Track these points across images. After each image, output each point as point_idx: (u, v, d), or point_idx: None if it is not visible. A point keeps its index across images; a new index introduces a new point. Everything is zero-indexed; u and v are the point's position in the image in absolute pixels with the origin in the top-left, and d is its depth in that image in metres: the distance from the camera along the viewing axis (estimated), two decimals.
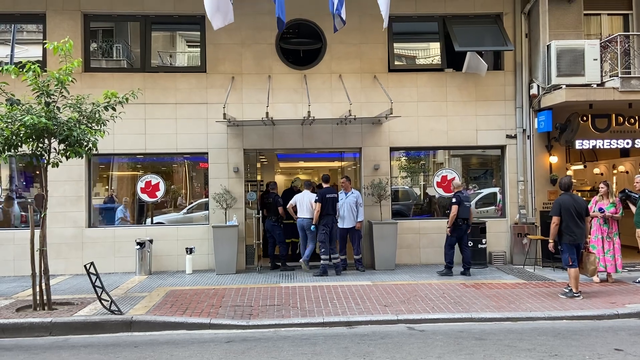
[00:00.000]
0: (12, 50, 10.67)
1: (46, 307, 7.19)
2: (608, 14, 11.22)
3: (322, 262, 9.60)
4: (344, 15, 9.00)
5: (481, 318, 6.63)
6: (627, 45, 10.04)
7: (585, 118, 10.44)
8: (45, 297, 7.24)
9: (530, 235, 10.27)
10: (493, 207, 11.39)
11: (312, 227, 9.74)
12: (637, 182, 8.36)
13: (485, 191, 11.58)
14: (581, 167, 12.70)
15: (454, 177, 10.95)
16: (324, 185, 9.98)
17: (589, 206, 8.67)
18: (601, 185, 9.03)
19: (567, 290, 7.63)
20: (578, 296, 7.43)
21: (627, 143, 10.43)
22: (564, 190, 7.85)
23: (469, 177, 11.64)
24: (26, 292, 7.93)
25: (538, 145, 10.76)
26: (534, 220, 10.59)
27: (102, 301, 6.89)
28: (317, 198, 9.70)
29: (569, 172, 11.09)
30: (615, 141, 10.44)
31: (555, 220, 7.56)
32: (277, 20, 8.88)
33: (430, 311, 6.90)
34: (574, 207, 7.48)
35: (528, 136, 10.77)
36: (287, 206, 10.10)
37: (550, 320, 6.63)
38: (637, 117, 10.48)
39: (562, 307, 7.05)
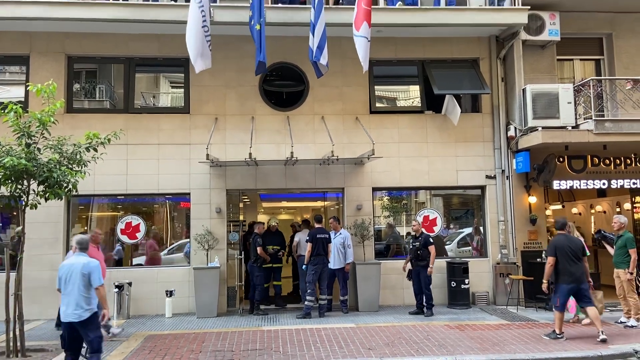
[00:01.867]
0: None
1: (19, 355, 7.03)
2: (580, 59, 11.71)
3: (306, 303, 9.48)
4: (324, 62, 9.31)
5: None
6: (599, 89, 10.40)
7: (561, 159, 10.62)
8: (19, 344, 7.06)
9: (512, 276, 10.26)
10: (467, 248, 11.44)
11: (303, 266, 9.68)
12: (614, 223, 8.44)
13: (467, 230, 11.63)
14: (559, 207, 12.90)
15: (436, 217, 11.03)
16: (316, 225, 9.93)
17: None
18: (567, 226, 8.98)
19: (550, 331, 7.63)
20: (561, 337, 7.41)
21: (604, 184, 10.61)
22: (559, 231, 7.86)
23: (450, 217, 11.69)
24: (1, 338, 7.65)
25: (517, 186, 10.88)
26: (515, 260, 10.61)
27: None
28: (307, 238, 9.68)
29: (548, 212, 11.27)
30: (591, 182, 10.61)
31: (550, 260, 7.52)
32: (258, 63, 9.17)
33: (415, 354, 6.83)
34: (569, 247, 7.46)
35: (507, 177, 10.89)
36: (293, 244, 10.23)
37: None
38: (612, 158, 10.67)
39: (545, 348, 7.04)
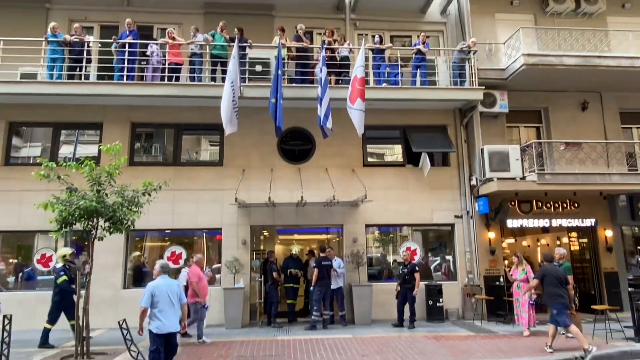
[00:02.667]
0: (74, 149, 10.96)
1: (85, 357, 7.06)
2: (525, 126, 12.01)
3: (313, 317, 9.48)
4: (330, 125, 9.52)
5: None
6: (540, 149, 10.76)
7: (513, 203, 10.88)
8: (85, 348, 7.12)
9: (477, 295, 10.36)
10: (437, 273, 11.35)
11: (311, 288, 9.67)
12: (556, 254, 8.49)
13: (439, 259, 11.63)
14: (512, 240, 12.98)
15: (416, 249, 11.11)
16: (321, 254, 9.86)
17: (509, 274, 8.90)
18: (514, 257, 9.15)
19: (548, 348, 7.23)
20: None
21: (546, 222, 10.84)
22: (547, 262, 7.76)
23: (427, 248, 11.67)
24: (70, 343, 7.77)
25: (479, 224, 10.99)
26: (479, 283, 10.66)
27: (131, 352, 6.82)
28: (314, 265, 9.74)
29: (504, 245, 11.40)
30: (537, 221, 10.84)
31: (535, 282, 7.62)
32: (276, 128, 9.44)
33: None
34: (557, 275, 7.30)
35: (471, 216, 11.05)
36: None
37: None
38: (552, 203, 10.96)
39: (504, 355, 7.10)
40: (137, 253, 10.99)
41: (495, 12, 12.19)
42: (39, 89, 9.85)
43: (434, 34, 12.27)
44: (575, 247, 12.13)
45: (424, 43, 10.91)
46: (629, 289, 9.28)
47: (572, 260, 11.22)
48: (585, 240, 11.88)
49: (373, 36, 11.34)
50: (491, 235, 11.00)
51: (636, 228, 11.69)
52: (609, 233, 11.29)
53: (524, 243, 12.62)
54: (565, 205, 10.98)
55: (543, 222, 10.82)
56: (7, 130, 10.68)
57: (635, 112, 12.23)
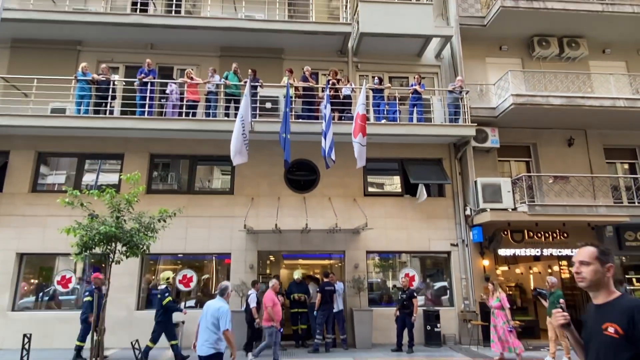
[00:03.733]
0: (97, 177, 11.03)
1: None
2: (515, 160, 12.03)
3: (316, 340, 9.32)
4: (333, 157, 9.53)
5: None
6: (529, 182, 10.79)
7: (505, 232, 10.79)
8: None
9: (473, 321, 10.17)
10: (445, 296, 11.08)
11: (315, 312, 9.51)
12: (547, 283, 8.39)
13: (437, 284, 11.41)
14: (506, 268, 12.82)
15: (414, 275, 10.98)
16: (324, 279, 9.76)
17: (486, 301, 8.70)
18: (489, 285, 9.00)
19: None
20: None
21: (537, 252, 10.70)
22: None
23: (425, 274, 11.48)
24: None
25: (474, 252, 10.87)
26: (475, 309, 10.46)
27: None
28: (318, 289, 9.59)
29: (498, 272, 11.26)
30: (529, 250, 10.71)
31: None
32: (285, 162, 9.51)
33: None
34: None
35: (466, 245, 10.93)
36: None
37: None
38: (542, 232, 10.84)
39: None
40: (150, 276, 10.85)
41: (486, 56, 12.48)
42: (67, 123, 10.05)
43: (429, 76, 12.50)
44: (565, 275, 11.92)
45: (419, 83, 11.13)
46: None
47: (563, 288, 10.95)
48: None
49: (373, 77, 11.58)
50: (485, 262, 10.87)
51: (624, 258, 11.51)
52: None
53: (517, 270, 12.45)
54: (555, 235, 10.87)
55: (534, 251, 10.69)
56: (36, 160, 10.85)
57: (618, 149, 12.29)
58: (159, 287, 9.25)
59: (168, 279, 9.12)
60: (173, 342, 8.49)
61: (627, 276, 11.47)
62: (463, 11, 12.41)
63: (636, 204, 11.09)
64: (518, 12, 11.57)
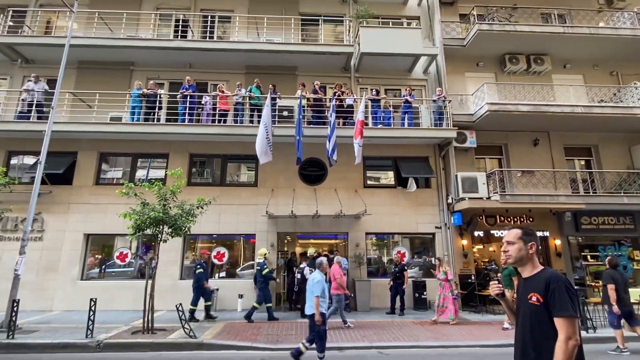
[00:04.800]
0: (147, 172, 11.08)
1: (150, 332, 7.11)
2: (489, 158, 11.81)
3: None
4: (335, 157, 9.57)
5: (426, 345, 6.55)
6: (501, 175, 10.63)
7: (481, 217, 10.70)
8: (150, 325, 7.19)
9: (455, 291, 10.05)
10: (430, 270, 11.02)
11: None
12: (502, 259, 8.17)
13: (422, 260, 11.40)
14: (481, 246, 12.62)
15: (405, 252, 10.97)
16: (330, 256, 9.78)
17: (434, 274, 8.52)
18: (437, 260, 8.96)
19: (615, 347, 6.19)
20: (626, 352, 6.02)
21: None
22: (612, 267, 6.34)
23: (414, 251, 11.41)
24: (139, 321, 7.81)
25: (454, 233, 10.79)
26: (456, 280, 10.27)
27: (185, 329, 6.88)
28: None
29: (475, 250, 11.15)
30: (499, 232, 10.62)
31: (612, 286, 6.09)
32: (297, 159, 9.55)
33: (393, 340, 6.79)
34: (621, 280, 6.18)
35: (448, 228, 10.85)
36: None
37: (470, 347, 6.54)
38: (512, 217, 10.72)
39: (475, 339, 6.86)
40: (191, 252, 10.92)
41: (465, 71, 12.27)
42: (123, 129, 10.13)
43: (418, 88, 12.34)
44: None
45: (410, 94, 11.00)
46: (576, 287, 8.96)
47: None
48: (540, 247, 11.50)
49: (371, 89, 11.50)
50: (464, 242, 10.77)
51: (580, 238, 11.33)
52: (558, 242, 10.98)
53: (490, 249, 12.32)
54: (522, 219, 10.74)
55: (505, 233, 10.49)
56: (98, 159, 10.98)
57: (576, 147, 12.02)
58: (258, 261, 9.16)
59: (265, 254, 9.11)
60: (269, 305, 8.66)
61: (582, 254, 11.30)
62: (446, 34, 12.19)
63: (591, 193, 10.89)
64: (492, 34, 11.34)
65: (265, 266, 8.73)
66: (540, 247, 2.27)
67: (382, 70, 12.16)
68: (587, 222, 11.01)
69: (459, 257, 10.66)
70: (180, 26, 12.11)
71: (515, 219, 10.62)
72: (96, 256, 10.59)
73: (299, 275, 9.29)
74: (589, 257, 11.25)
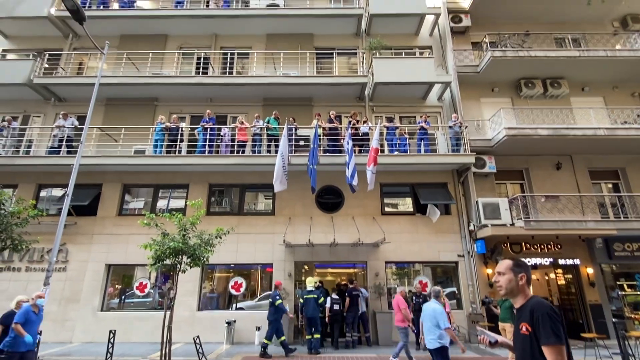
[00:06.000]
0: (168, 202, 11.35)
1: None
2: (510, 183, 11.61)
3: (347, 337, 9.11)
4: (355, 183, 9.51)
5: None
6: (524, 201, 10.37)
7: (505, 245, 10.36)
8: (167, 358, 7.05)
9: (481, 323, 9.68)
10: (454, 300, 10.54)
11: (344, 314, 9.28)
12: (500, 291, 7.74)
13: (447, 290, 10.91)
14: None
15: (427, 282, 10.60)
16: (350, 285, 9.58)
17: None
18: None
19: None
20: None
21: (535, 261, 10.18)
22: None
23: (436, 281, 11.04)
24: (156, 354, 7.75)
25: (478, 262, 10.46)
26: (481, 312, 9.97)
27: None
28: (346, 294, 9.42)
29: None
30: (526, 260, 10.19)
31: None
32: (312, 188, 9.54)
33: None
34: None
35: (471, 256, 10.54)
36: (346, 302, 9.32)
37: None
38: (538, 244, 10.35)
39: None
40: (209, 282, 10.94)
41: (480, 97, 12.37)
42: (146, 161, 10.53)
43: (433, 114, 12.46)
44: (561, 281, 11.23)
45: (425, 121, 11.12)
46: (613, 320, 8.44)
47: (559, 293, 10.40)
48: (570, 275, 11.00)
49: (387, 118, 11.66)
50: (489, 271, 10.41)
51: (614, 266, 10.75)
52: (590, 270, 10.45)
53: None
54: (550, 246, 10.34)
55: (532, 261, 10.16)
56: (122, 190, 11.39)
57: (602, 171, 11.71)
58: (307, 288, 8.98)
59: (316, 282, 9.00)
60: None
61: (618, 282, 10.68)
62: (459, 61, 12.43)
63: (622, 218, 10.45)
64: (506, 60, 11.49)
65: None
66: (530, 278, 2.27)
67: (397, 98, 12.37)
68: (621, 248, 10.50)
69: (484, 286, 10.28)
70: (201, 63, 12.82)
71: (542, 246, 10.23)
72: (116, 286, 10.72)
73: (336, 306, 9.13)
74: (625, 286, 10.62)
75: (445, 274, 11.18)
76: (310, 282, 8.99)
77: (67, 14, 11.61)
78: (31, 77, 11.62)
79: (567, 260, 10.25)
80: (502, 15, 13.15)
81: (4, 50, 13.32)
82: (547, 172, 11.41)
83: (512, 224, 9.88)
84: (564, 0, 12.42)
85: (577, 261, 10.39)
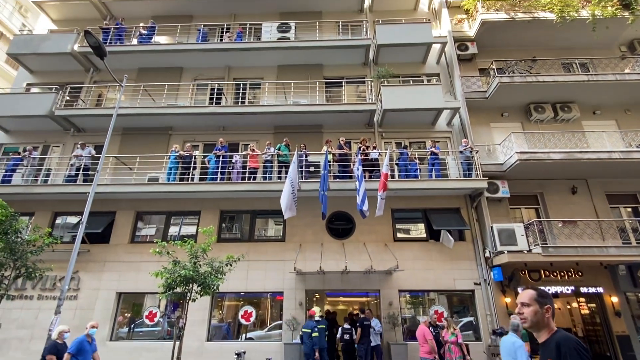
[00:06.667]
0: (179, 229, 11.43)
1: None
2: (525, 208, 11.45)
3: None
4: (366, 208, 9.50)
5: None
6: (540, 226, 10.15)
7: (523, 272, 10.07)
8: None
9: (500, 356, 9.27)
10: (471, 331, 10.19)
11: (356, 345, 9.03)
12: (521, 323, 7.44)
13: (464, 320, 10.57)
14: None
15: (443, 312, 10.26)
16: (361, 315, 9.38)
17: (441, 337, 7.61)
18: (444, 320, 8.14)
19: None
20: None
21: (555, 290, 9.82)
22: None
23: (452, 310, 10.70)
24: None
25: (496, 290, 10.12)
26: (498, 343, 9.61)
27: None
28: (357, 324, 9.21)
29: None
30: (546, 288, 9.73)
31: None
32: (322, 214, 9.52)
33: None
34: None
35: (488, 284, 10.23)
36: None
37: None
38: (558, 271, 10.04)
39: None
40: (218, 311, 10.80)
41: (490, 122, 12.46)
42: (159, 189, 10.76)
43: (443, 139, 12.55)
44: (585, 311, 10.78)
45: (434, 146, 11.19)
46: None
47: (583, 324, 9.93)
48: (593, 305, 10.55)
49: (396, 143, 11.78)
50: (507, 300, 10.05)
51: (639, 294, 10.31)
52: (614, 299, 10.02)
53: None
54: (570, 273, 10.01)
55: (552, 289, 9.81)
56: (135, 217, 11.58)
57: (620, 195, 11.48)
58: (315, 318, 8.98)
59: (319, 312, 8.96)
60: None
61: None
62: (467, 87, 12.65)
63: None
64: (514, 86, 11.65)
65: (316, 328, 8.31)
66: (554, 310, 2.20)
67: (406, 124, 12.53)
68: None
69: (503, 316, 9.89)
70: (215, 93, 13.32)
71: (562, 274, 9.91)
72: (125, 315, 10.67)
73: (347, 336, 8.91)
74: None
75: (461, 302, 10.83)
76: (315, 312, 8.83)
77: (89, 49, 12.32)
78: (53, 109, 12.20)
79: (590, 288, 9.87)
80: (508, 43, 13.46)
81: (28, 84, 14.10)
82: (562, 197, 11.24)
83: (529, 250, 9.65)
84: (569, 27, 12.67)
85: (600, 289, 10.01)
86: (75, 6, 14.85)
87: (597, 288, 9.95)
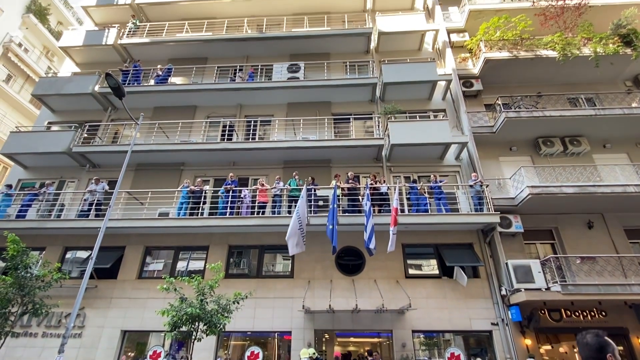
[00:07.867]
0: (187, 264, 11.41)
1: None
2: (540, 243, 11.22)
3: None
4: (372, 246, 9.31)
5: None
6: (558, 263, 9.87)
7: (543, 311, 9.66)
8: None
9: None
10: None
11: None
12: None
13: None
14: (549, 347, 11.11)
15: (460, 354, 9.81)
16: (369, 358, 9.08)
17: None
18: None
19: None
20: None
21: (577, 331, 9.37)
22: None
23: (470, 353, 10.17)
24: None
25: (514, 331, 9.69)
26: None
27: None
28: None
29: (542, 351, 9.79)
30: (568, 330, 9.44)
31: None
32: (333, 248, 9.47)
33: None
34: None
35: (506, 324, 9.80)
36: None
37: None
38: (580, 311, 9.63)
39: None
40: (224, 350, 10.50)
41: (499, 156, 12.56)
42: (169, 223, 10.93)
43: (452, 174, 12.63)
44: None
45: (435, 180, 11.32)
46: None
47: None
48: (621, 347, 9.93)
49: (405, 177, 11.89)
50: (528, 342, 9.59)
51: None
52: None
53: (561, 349, 10.74)
54: (593, 313, 9.58)
55: (574, 331, 9.33)
56: (143, 252, 11.65)
57: (638, 229, 11.20)
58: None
59: (313, 354, 8.59)
60: None
61: None
62: (474, 123, 12.90)
63: None
64: (521, 121, 11.86)
65: None
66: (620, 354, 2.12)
67: (414, 159, 12.69)
68: None
69: (524, 359, 9.38)
70: (227, 130, 13.82)
71: (585, 313, 9.48)
72: (129, 354, 10.43)
73: None
74: None
75: (479, 344, 10.34)
76: (305, 355, 8.38)
77: (109, 90, 13.10)
78: (70, 146, 12.78)
79: (614, 329, 9.38)
80: (512, 79, 13.88)
81: (49, 123, 14.88)
82: (579, 231, 11.03)
83: (548, 288, 9.34)
84: (573, 64, 13.06)
85: (626, 330, 9.48)
86: (98, 50, 15.97)
87: (624, 329, 9.43)
